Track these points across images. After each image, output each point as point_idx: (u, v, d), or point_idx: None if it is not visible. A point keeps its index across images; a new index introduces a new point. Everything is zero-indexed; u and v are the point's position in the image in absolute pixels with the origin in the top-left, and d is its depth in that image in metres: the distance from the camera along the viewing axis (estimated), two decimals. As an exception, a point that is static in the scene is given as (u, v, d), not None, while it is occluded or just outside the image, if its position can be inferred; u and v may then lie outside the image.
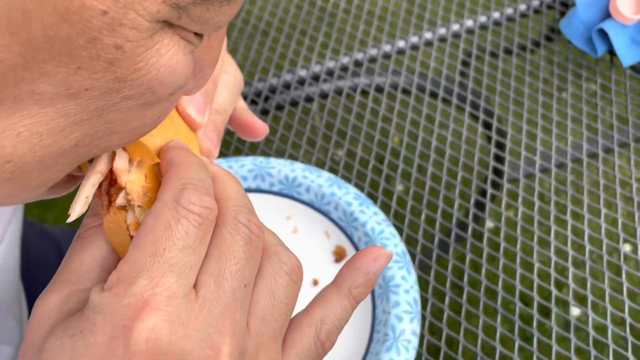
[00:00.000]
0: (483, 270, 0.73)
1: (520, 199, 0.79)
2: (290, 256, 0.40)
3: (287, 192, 0.70)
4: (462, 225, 0.78)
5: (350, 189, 0.69)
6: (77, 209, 0.37)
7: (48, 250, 0.89)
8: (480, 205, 0.80)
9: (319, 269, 0.67)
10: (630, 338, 0.68)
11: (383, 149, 0.84)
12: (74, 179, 0.39)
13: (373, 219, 0.67)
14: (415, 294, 0.62)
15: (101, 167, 0.37)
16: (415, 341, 0.59)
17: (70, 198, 0.40)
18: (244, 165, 0.71)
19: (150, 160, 0.38)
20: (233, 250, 0.36)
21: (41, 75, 0.28)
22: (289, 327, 0.41)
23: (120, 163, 0.37)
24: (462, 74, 0.94)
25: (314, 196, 0.69)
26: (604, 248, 0.75)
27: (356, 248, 0.67)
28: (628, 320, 0.69)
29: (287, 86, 0.93)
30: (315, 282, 0.66)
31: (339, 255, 0.67)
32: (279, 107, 0.91)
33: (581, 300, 0.73)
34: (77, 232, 0.40)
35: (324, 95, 0.92)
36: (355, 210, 0.67)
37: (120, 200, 0.37)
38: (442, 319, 0.69)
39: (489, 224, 0.81)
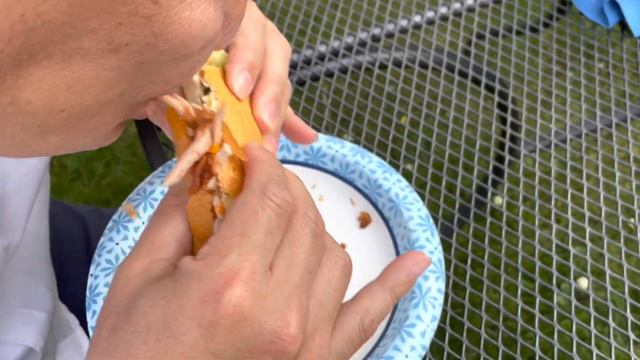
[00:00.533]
0: (503, 233, 0.76)
1: (536, 171, 0.81)
2: (344, 252, 0.45)
3: (312, 162, 0.72)
4: (482, 191, 0.81)
5: (374, 158, 0.71)
6: (171, 179, 0.41)
7: (73, 227, 0.92)
8: (498, 172, 0.82)
9: (346, 234, 0.70)
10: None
11: (402, 120, 0.87)
12: (121, 127, 0.43)
13: (397, 185, 0.69)
14: (439, 254, 0.65)
15: (199, 148, 0.42)
16: (440, 298, 0.62)
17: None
18: None
19: (241, 157, 0.43)
20: (303, 240, 0.41)
21: (86, 33, 0.31)
22: (338, 314, 0.45)
23: (223, 157, 0.43)
24: (477, 46, 0.96)
25: (339, 165, 0.71)
26: (620, 212, 0.77)
27: (381, 214, 0.69)
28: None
29: (307, 62, 0.95)
30: (343, 247, 0.69)
31: (364, 220, 0.69)
32: (301, 82, 0.94)
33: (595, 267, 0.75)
34: (157, 209, 0.45)
35: (344, 70, 0.95)
36: (379, 177, 0.70)
37: (211, 184, 0.42)
38: (465, 279, 0.72)
39: (499, 199, 0.84)
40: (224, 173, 0.43)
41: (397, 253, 0.67)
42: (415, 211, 0.67)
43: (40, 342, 0.65)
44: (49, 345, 0.72)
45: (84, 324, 0.83)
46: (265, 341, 0.37)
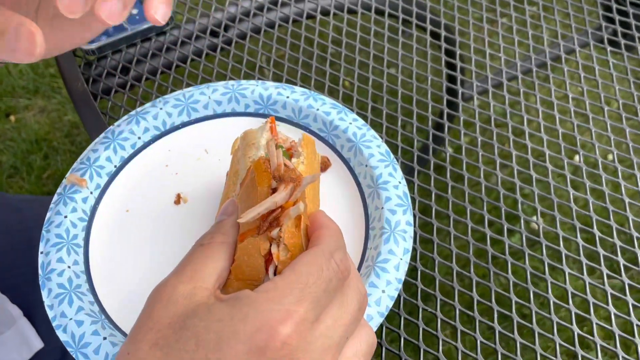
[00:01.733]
0: (464, 165, 0.77)
1: (476, 121, 0.83)
2: (373, 334, 0.50)
3: (263, 111, 0.71)
4: (439, 127, 0.82)
5: (327, 100, 0.70)
6: (248, 217, 0.48)
7: (9, 218, 0.90)
8: (442, 113, 0.83)
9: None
10: (601, 252, 0.73)
11: (338, 69, 0.87)
12: None
13: (353, 124, 0.69)
14: (404, 188, 0.65)
15: (278, 199, 0.49)
16: (410, 231, 0.62)
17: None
18: (217, 90, 0.71)
19: (306, 220, 0.50)
20: (351, 308, 0.46)
21: None
22: None
23: (295, 212, 0.48)
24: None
25: (291, 111, 0.70)
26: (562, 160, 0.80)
27: (340, 155, 0.69)
28: (597, 234, 0.74)
29: (246, 14, 0.93)
30: (305, 194, 0.68)
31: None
32: (242, 36, 0.91)
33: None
34: (200, 241, 0.50)
35: (270, 25, 0.93)
36: (334, 119, 0.69)
37: (274, 233, 0.48)
38: (431, 214, 0.74)
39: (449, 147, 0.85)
40: (288, 226, 0.48)
41: (361, 193, 0.66)
42: (375, 148, 0.67)
43: None
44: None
45: (28, 314, 0.80)
46: None
